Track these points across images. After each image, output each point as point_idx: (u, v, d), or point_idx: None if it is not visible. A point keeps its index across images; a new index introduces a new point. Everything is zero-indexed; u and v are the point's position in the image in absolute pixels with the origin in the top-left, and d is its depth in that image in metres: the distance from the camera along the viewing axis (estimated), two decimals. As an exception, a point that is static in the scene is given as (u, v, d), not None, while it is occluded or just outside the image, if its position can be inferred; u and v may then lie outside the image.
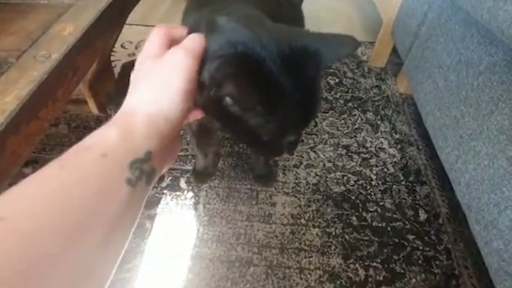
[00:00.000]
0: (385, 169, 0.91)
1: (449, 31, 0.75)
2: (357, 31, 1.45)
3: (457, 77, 0.71)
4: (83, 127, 0.96)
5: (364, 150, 0.96)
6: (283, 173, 0.89)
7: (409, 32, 0.96)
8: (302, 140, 0.97)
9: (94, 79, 0.77)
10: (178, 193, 0.83)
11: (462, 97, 0.68)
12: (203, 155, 0.80)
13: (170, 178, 0.86)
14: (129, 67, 0.78)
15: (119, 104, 0.75)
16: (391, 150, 0.96)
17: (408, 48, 0.97)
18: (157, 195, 0.82)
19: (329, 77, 1.19)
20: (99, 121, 0.97)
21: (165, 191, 0.83)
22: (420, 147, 0.97)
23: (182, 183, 0.85)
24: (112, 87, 0.78)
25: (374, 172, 0.91)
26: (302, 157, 0.93)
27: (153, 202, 0.81)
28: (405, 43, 0.99)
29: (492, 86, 0.60)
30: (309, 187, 0.86)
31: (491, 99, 0.60)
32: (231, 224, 0.78)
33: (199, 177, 0.85)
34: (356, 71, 1.23)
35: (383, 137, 1.00)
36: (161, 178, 0.86)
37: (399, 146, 0.97)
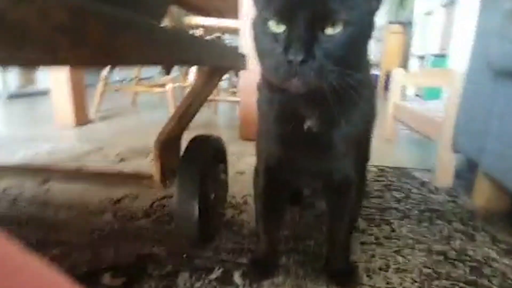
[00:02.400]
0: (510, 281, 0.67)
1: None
2: (407, 162, 1.45)
3: None
4: (129, 217, 0.87)
5: (467, 258, 0.74)
6: (367, 276, 0.67)
7: (476, 135, 0.94)
8: (381, 243, 0.78)
9: (166, 141, 0.74)
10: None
11: None
12: (267, 235, 0.65)
13: (221, 269, 0.67)
14: (200, 141, 0.77)
15: (183, 185, 0.69)
16: (505, 260, 0.73)
17: (481, 149, 0.92)
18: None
19: (393, 192, 1.10)
20: (148, 216, 0.88)
21: (214, 283, 0.63)
22: (544, 257, 0.73)
23: (237, 277, 0.65)
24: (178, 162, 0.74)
25: (496, 283, 0.66)
26: (388, 260, 0.72)
27: (197, 296, 0.60)
28: (474, 146, 0.95)
29: None
30: (409, 294, 0.62)
31: None
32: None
33: (259, 268, 0.65)
34: (421, 188, 1.13)
35: (486, 247, 0.79)
36: (210, 269, 0.67)
37: (513, 256, 0.75)
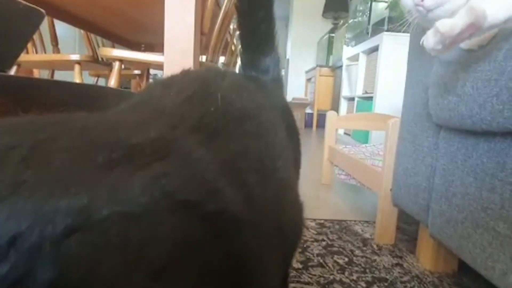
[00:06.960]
0: None
1: (476, 167, 0.64)
2: (347, 213, 1.35)
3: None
4: None
5: None
6: None
7: (418, 192, 0.85)
8: None
9: None
10: None
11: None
12: None
13: None
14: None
15: None
16: None
17: (425, 208, 0.83)
18: None
19: (335, 256, 0.95)
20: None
21: None
22: None
23: None
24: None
25: None
26: None
27: None
28: (417, 204, 0.86)
29: None
30: None
31: None
32: None
33: None
34: (364, 248, 1.01)
35: (445, 333, 0.65)
36: None
37: None
